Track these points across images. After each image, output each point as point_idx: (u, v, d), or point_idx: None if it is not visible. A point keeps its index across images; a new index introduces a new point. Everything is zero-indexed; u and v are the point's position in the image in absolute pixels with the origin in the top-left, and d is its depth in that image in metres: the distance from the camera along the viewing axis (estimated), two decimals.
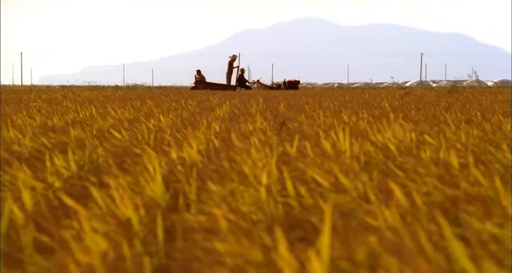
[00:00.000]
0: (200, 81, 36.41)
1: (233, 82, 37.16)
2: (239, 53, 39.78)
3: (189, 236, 1.82)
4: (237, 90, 33.93)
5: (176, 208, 2.30)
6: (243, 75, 37.96)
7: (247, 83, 37.77)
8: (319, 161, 2.81)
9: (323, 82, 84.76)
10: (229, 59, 38.11)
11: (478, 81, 64.59)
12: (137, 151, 3.65)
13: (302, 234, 1.95)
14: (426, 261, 1.38)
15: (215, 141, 4.19)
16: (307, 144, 3.45)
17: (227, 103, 11.33)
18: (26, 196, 2.31)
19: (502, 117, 5.49)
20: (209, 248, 1.54)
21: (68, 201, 1.97)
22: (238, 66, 37.79)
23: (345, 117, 6.00)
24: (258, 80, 39.08)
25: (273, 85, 38.12)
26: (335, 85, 70.47)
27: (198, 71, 37.70)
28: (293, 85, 37.62)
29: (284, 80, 38.88)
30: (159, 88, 40.71)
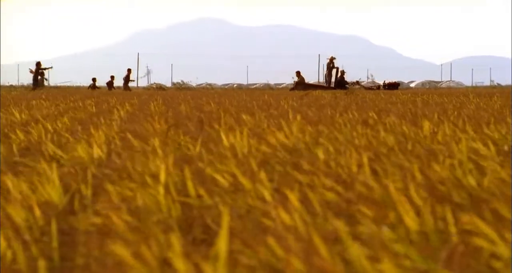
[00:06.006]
0: (300, 83, 35.83)
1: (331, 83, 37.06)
2: (136, 54, 39.38)
3: (85, 238, 1.79)
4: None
5: (73, 210, 2.27)
6: (343, 77, 37.84)
7: (346, 85, 37.46)
8: (219, 161, 2.82)
9: (222, 83, 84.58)
10: (327, 61, 37.91)
11: (373, 82, 66.56)
12: (34, 152, 3.58)
13: (202, 235, 1.95)
14: (323, 261, 1.41)
15: (114, 141, 4.15)
16: (209, 144, 3.46)
17: (127, 104, 11.22)
18: None
19: (396, 119, 5.64)
20: (104, 250, 1.53)
21: None
22: (337, 68, 37.65)
23: (244, 117, 6.03)
24: (357, 81, 39.23)
25: (373, 87, 38.15)
26: (235, 85, 70.50)
27: (298, 73, 37.07)
28: (392, 86, 37.57)
29: (384, 81, 39.23)
30: (56, 87, 39.82)
